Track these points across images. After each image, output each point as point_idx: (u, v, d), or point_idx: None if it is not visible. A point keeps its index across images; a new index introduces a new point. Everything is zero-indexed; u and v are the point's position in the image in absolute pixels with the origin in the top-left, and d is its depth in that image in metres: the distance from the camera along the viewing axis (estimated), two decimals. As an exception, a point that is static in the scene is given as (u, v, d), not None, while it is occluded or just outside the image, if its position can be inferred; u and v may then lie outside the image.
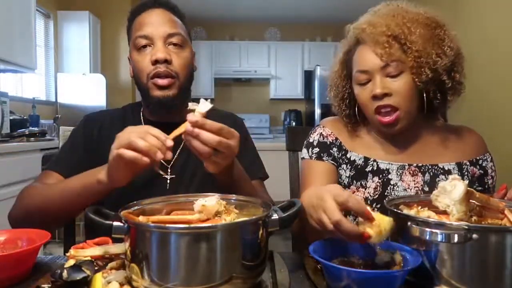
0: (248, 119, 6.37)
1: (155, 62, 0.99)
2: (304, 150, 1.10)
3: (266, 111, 6.57)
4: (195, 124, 0.71)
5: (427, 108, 0.99)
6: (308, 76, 6.09)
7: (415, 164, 1.01)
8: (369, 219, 0.63)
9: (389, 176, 1.01)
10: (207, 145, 0.72)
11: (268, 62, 6.28)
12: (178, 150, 1.04)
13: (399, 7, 0.99)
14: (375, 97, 0.95)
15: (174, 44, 1.01)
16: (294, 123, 6.12)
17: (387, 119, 0.95)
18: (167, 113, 1.03)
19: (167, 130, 0.75)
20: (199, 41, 6.26)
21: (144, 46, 1.01)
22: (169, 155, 0.71)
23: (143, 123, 1.07)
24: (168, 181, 1.02)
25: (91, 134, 1.06)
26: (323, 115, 5.37)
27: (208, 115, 0.73)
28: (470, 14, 3.33)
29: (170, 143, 0.71)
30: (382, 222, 0.63)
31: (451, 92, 0.98)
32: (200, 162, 0.78)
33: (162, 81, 0.99)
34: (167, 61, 0.99)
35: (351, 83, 1.04)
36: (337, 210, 0.64)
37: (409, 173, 1.01)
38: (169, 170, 1.03)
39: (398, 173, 1.01)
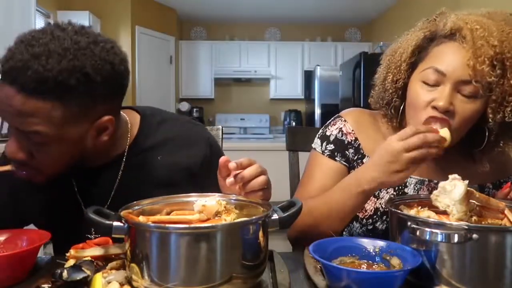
0: (248, 119, 6.39)
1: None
2: (317, 141, 1.01)
3: (266, 111, 6.56)
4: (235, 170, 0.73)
5: (470, 143, 0.89)
6: (308, 76, 6.08)
7: (435, 181, 0.93)
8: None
9: (405, 190, 0.95)
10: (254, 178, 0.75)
11: (268, 62, 6.28)
12: (112, 193, 0.92)
13: None
14: (434, 108, 0.82)
15: (33, 143, 0.76)
16: (294, 123, 6.11)
17: None
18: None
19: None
20: (199, 41, 6.26)
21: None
22: None
23: None
24: None
25: None
26: (323, 115, 5.35)
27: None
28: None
29: None
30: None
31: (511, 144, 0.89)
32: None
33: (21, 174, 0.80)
34: (22, 162, 0.78)
35: (410, 73, 0.91)
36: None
37: (427, 189, 0.93)
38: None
39: (416, 188, 0.94)
